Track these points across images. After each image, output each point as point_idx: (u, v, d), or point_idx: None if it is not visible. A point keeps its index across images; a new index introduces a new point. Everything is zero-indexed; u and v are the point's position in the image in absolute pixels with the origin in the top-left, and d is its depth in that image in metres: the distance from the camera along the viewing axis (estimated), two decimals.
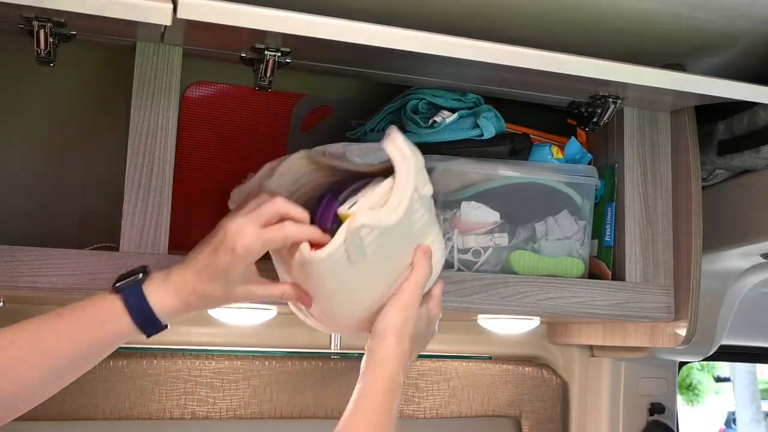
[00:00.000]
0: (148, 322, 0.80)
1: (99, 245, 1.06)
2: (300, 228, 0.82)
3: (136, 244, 0.91)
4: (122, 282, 0.80)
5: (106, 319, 0.80)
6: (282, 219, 0.82)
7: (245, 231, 0.80)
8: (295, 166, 0.92)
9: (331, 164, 0.91)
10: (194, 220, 1.19)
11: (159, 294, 0.81)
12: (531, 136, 1.15)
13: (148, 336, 0.82)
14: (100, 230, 1.10)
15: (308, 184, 0.93)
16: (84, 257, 0.89)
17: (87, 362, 0.81)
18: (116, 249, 0.91)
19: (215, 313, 1.18)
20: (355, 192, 0.86)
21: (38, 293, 0.88)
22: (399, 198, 0.80)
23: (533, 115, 1.18)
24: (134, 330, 0.80)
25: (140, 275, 0.81)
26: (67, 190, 1.16)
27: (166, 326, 0.82)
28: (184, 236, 1.17)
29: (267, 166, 0.93)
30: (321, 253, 0.79)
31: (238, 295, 0.83)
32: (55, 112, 1.15)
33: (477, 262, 1.09)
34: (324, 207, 0.86)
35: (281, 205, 0.82)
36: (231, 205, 0.96)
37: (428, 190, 0.86)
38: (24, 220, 1.13)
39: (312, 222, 0.85)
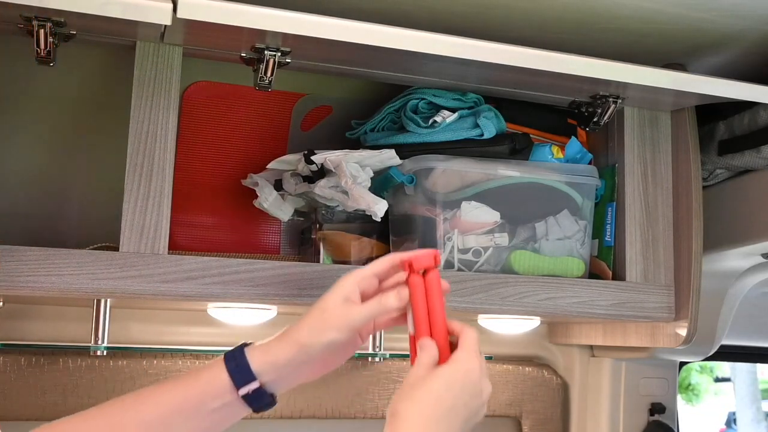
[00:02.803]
0: (239, 370, 0.80)
1: (99, 245, 1.06)
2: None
3: (136, 244, 0.91)
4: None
5: (201, 371, 0.82)
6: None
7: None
8: None
9: None
10: (194, 220, 1.19)
11: (259, 348, 0.82)
12: (531, 135, 1.15)
13: (243, 396, 0.80)
14: (100, 230, 1.10)
15: None
16: (84, 257, 0.88)
17: (181, 418, 0.80)
18: (116, 249, 0.91)
19: (215, 313, 1.18)
20: None
21: (38, 293, 0.87)
22: None
23: (533, 115, 1.18)
24: (226, 380, 0.80)
25: (250, 343, 0.83)
26: (67, 190, 1.16)
27: (259, 383, 0.80)
28: (184, 236, 1.17)
29: None
30: None
31: (334, 321, 0.81)
32: (55, 112, 1.15)
33: (477, 262, 1.09)
34: None
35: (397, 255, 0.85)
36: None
37: None
38: (24, 220, 1.13)
39: None
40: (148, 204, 0.92)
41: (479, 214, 1.09)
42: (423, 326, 0.82)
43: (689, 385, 9.78)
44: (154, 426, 0.79)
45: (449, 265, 1.07)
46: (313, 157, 1.06)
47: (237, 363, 0.80)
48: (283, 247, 1.25)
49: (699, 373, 9.97)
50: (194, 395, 0.80)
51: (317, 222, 1.15)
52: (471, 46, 0.91)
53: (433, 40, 0.89)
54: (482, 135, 1.09)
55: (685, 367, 1.77)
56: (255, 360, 0.81)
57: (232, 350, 0.82)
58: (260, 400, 0.81)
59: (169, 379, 0.83)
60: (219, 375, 0.80)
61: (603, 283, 1.14)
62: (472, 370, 0.79)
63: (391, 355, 1.37)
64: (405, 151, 1.08)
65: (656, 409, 1.49)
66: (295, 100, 1.23)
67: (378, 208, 1.01)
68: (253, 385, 0.80)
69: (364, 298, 0.83)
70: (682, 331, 1.16)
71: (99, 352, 1.20)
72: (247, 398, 0.80)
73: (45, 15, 0.84)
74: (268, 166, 1.12)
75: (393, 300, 0.82)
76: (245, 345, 0.83)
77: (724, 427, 9.70)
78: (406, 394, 0.76)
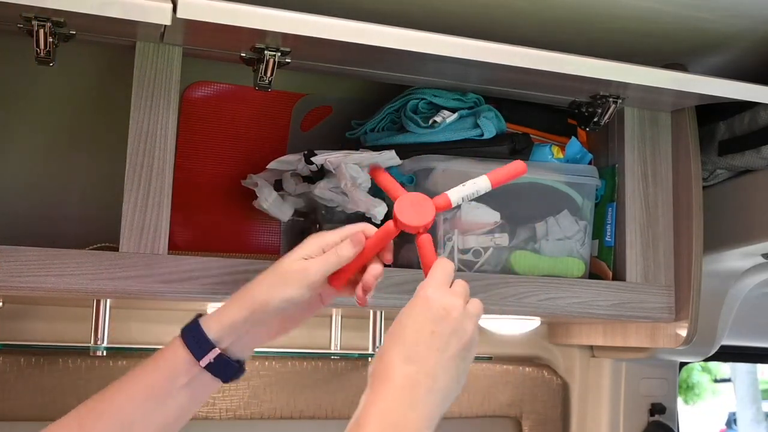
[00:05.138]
0: (197, 342, 0.79)
1: (99, 245, 1.06)
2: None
3: (136, 244, 0.91)
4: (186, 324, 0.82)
5: (162, 353, 0.81)
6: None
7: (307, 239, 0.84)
8: None
9: None
10: (194, 220, 1.19)
11: (213, 315, 0.81)
12: (531, 135, 1.15)
13: (206, 366, 0.80)
14: (100, 230, 1.10)
15: None
16: (84, 257, 0.88)
17: (153, 404, 0.80)
18: (116, 249, 0.91)
19: None
20: None
21: (38, 293, 0.87)
22: None
23: (534, 115, 1.18)
24: (185, 354, 0.79)
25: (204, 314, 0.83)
26: (67, 190, 1.16)
27: (223, 355, 0.80)
28: (184, 236, 1.17)
29: None
30: None
31: (292, 277, 0.81)
32: (55, 112, 1.15)
33: (477, 262, 1.09)
34: None
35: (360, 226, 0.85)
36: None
37: None
38: (24, 220, 1.13)
39: None
40: (148, 204, 0.92)
41: (479, 215, 1.09)
42: None
43: (688, 386, 9.79)
44: (129, 417, 0.79)
45: None
46: (313, 158, 1.06)
47: (193, 335, 0.80)
48: (283, 247, 1.25)
49: (700, 372, 9.98)
50: (160, 378, 0.80)
51: (317, 222, 1.15)
52: (471, 46, 0.91)
53: (433, 40, 0.89)
54: (482, 135, 1.09)
55: (685, 367, 1.78)
56: (211, 328, 0.80)
57: (187, 324, 0.82)
58: (226, 369, 0.81)
59: (134, 369, 0.82)
60: (179, 351, 0.80)
61: (603, 283, 1.14)
62: (426, 298, 0.77)
63: None
64: (405, 151, 1.08)
65: (656, 409, 1.49)
66: (295, 100, 1.23)
67: (377, 210, 1.01)
68: (214, 353, 0.79)
69: None
70: (683, 332, 1.15)
71: (99, 353, 1.20)
72: (212, 369, 0.80)
73: (45, 15, 0.84)
74: (267, 167, 1.12)
75: (347, 248, 0.82)
76: (200, 316, 0.82)
77: (725, 427, 9.70)
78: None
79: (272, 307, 0.81)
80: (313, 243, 0.83)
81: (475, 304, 0.80)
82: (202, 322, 0.81)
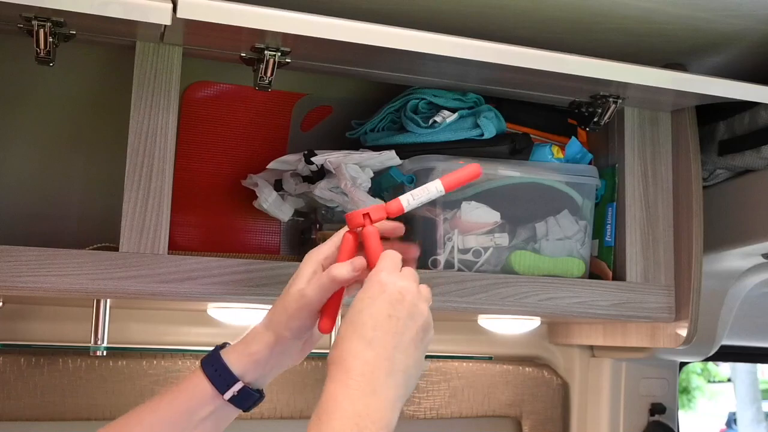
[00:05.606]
0: (220, 376, 0.79)
1: (99, 245, 1.06)
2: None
3: (136, 244, 0.91)
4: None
5: (183, 386, 0.81)
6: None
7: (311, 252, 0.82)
8: None
9: None
10: (194, 220, 1.19)
11: (236, 349, 0.81)
12: (531, 135, 1.15)
13: (230, 399, 0.80)
14: (100, 230, 1.10)
15: None
16: (84, 257, 0.88)
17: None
18: (116, 249, 0.91)
19: (215, 313, 1.18)
20: None
21: (38, 293, 0.87)
22: None
23: (534, 115, 1.18)
24: (208, 388, 0.79)
25: (224, 344, 0.83)
26: (67, 190, 1.16)
27: (243, 384, 0.80)
28: (184, 236, 1.17)
29: None
30: None
31: (296, 304, 0.80)
32: (55, 112, 1.15)
33: (477, 262, 1.09)
34: None
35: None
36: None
37: None
38: (24, 220, 1.13)
39: None
40: (148, 204, 0.92)
41: (479, 214, 1.09)
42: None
43: (684, 388, 9.78)
44: None
45: (449, 265, 1.07)
46: (313, 158, 1.06)
47: (216, 368, 0.80)
48: (283, 247, 1.25)
49: (699, 375, 9.98)
50: (180, 410, 0.79)
51: (317, 222, 1.15)
52: (471, 46, 0.91)
53: (433, 40, 0.89)
54: (482, 135, 1.09)
55: (684, 369, 1.78)
56: (234, 362, 0.80)
57: (207, 356, 0.81)
58: (248, 399, 0.81)
59: (152, 398, 0.81)
60: (201, 384, 0.79)
61: (603, 283, 1.14)
62: (380, 282, 0.75)
63: None
64: (405, 151, 1.08)
65: (656, 409, 1.49)
66: (295, 100, 1.23)
67: None
68: (237, 386, 0.79)
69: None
70: (683, 332, 1.16)
71: (99, 353, 1.20)
72: (234, 400, 0.80)
73: (45, 15, 0.84)
74: (267, 167, 1.12)
75: (344, 270, 0.80)
76: (220, 348, 0.82)
77: (725, 427, 9.70)
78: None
79: (291, 342, 0.82)
80: (312, 263, 0.81)
81: (426, 287, 0.79)
82: (224, 355, 0.81)
